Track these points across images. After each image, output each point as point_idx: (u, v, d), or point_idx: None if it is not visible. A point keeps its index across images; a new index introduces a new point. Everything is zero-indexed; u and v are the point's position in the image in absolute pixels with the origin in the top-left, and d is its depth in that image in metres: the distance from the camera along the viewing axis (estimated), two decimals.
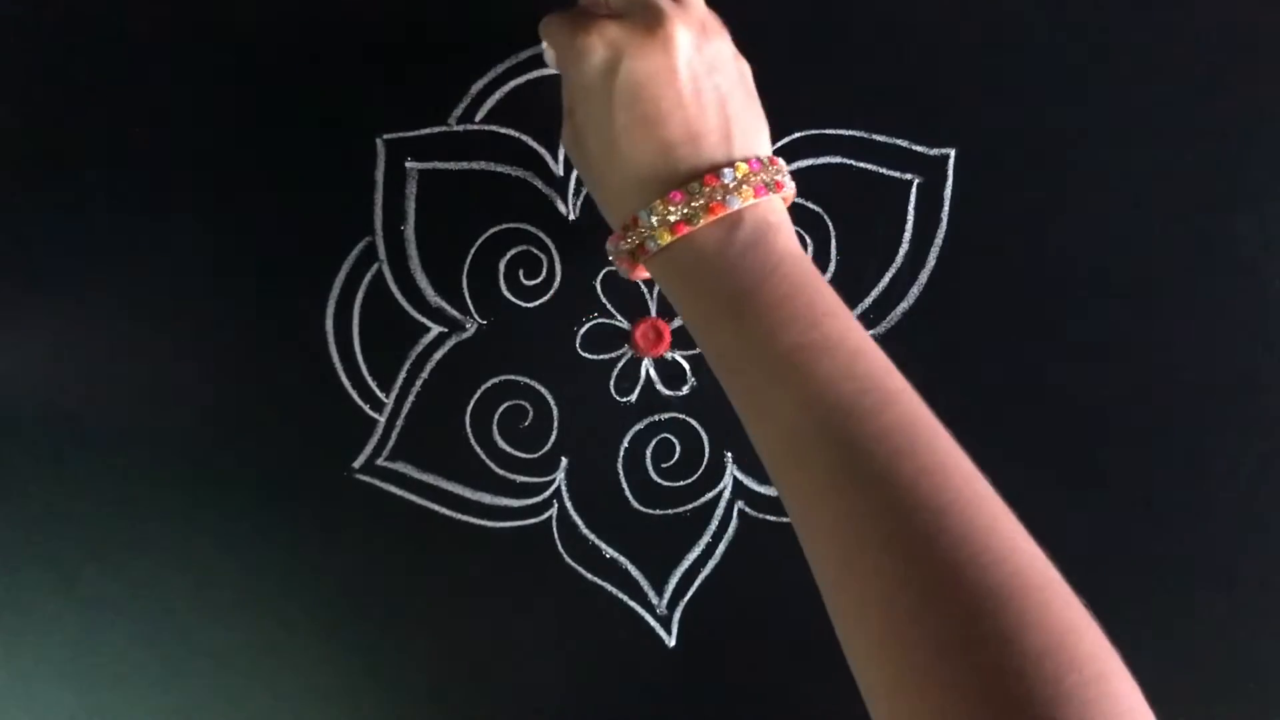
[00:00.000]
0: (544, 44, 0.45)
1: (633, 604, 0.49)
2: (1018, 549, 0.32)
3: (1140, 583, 0.51)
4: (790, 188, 0.40)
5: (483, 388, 0.49)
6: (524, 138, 0.48)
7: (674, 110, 0.38)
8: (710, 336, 0.38)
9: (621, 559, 0.49)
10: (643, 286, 0.49)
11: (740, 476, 0.50)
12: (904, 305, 0.49)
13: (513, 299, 0.48)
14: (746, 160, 0.38)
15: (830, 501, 0.34)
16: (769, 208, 0.39)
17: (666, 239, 0.38)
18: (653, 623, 0.49)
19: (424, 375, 0.48)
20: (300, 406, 0.48)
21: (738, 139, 0.39)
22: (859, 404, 0.34)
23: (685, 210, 0.37)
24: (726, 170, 0.38)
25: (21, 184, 0.46)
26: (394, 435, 0.48)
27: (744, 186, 0.38)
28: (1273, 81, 0.50)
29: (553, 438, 0.49)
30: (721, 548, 0.50)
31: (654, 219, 0.38)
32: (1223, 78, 0.49)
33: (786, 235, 0.39)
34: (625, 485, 0.49)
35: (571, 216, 0.49)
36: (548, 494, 0.49)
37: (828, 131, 0.49)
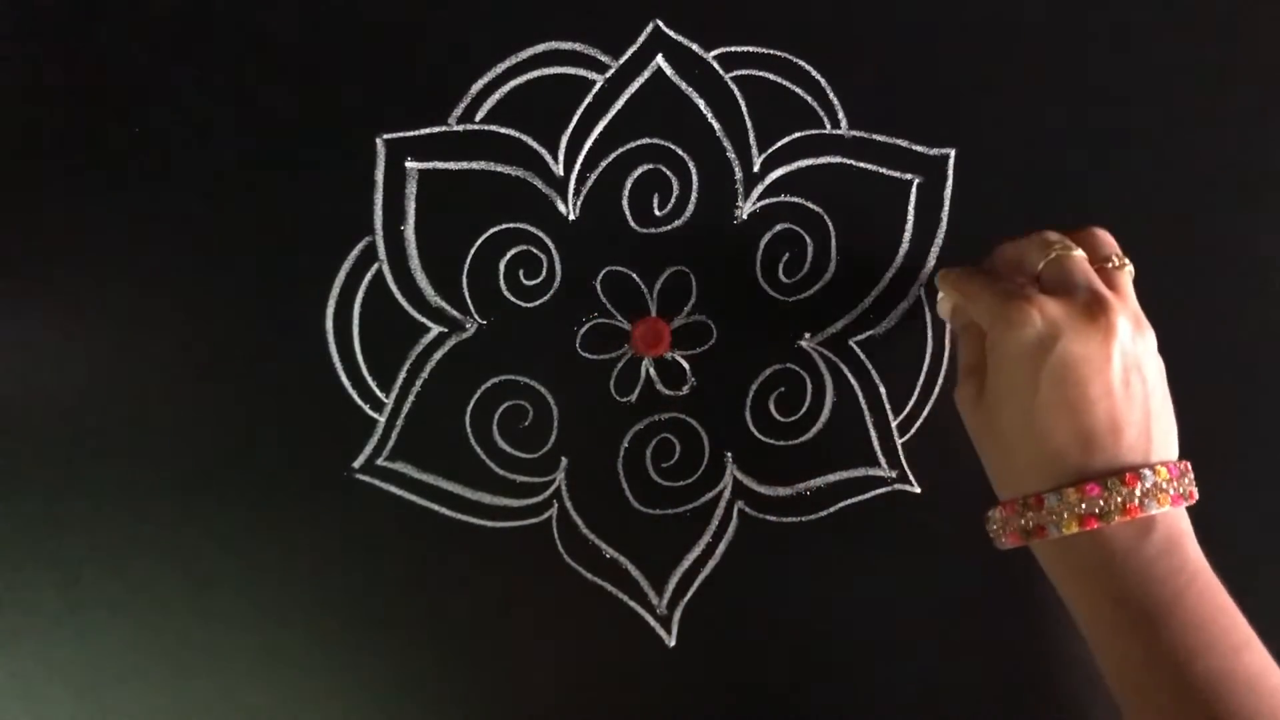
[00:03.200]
0: (940, 294, 0.46)
1: (633, 604, 0.49)
2: None
3: None
4: (1195, 496, 0.39)
5: (483, 388, 0.49)
6: (524, 138, 0.48)
7: (1101, 399, 0.38)
8: (1113, 644, 0.38)
9: (621, 559, 0.49)
10: (643, 286, 0.49)
11: (740, 476, 0.50)
12: (904, 305, 0.49)
13: (513, 299, 0.48)
14: (1165, 464, 0.38)
15: None
16: (1179, 516, 0.38)
17: (1073, 529, 0.37)
18: (653, 623, 0.49)
19: (424, 375, 0.48)
20: (300, 406, 0.48)
21: (1156, 439, 0.39)
22: None
23: (1100, 505, 0.37)
24: (1147, 472, 0.37)
25: (21, 184, 0.46)
26: (394, 435, 0.48)
27: (1162, 493, 0.37)
28: (1273, 81, 0.50)
29: (553, 438, 0.49)
30: (721, 548, 0.50)
31: (1062, 507, 0.37)
32: (1223, 78, 0.49)
33: (1194, 549, 0.38)
34: (625, 485, 0.49)
35: (571, 216, 0.49)
36: (548, 494, 0.49)
37: (828, 131, 0.49)
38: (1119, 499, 0.37)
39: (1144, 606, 0.37)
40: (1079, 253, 0.41)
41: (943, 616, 0.50)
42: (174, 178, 0.47)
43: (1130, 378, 0.39)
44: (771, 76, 0.48)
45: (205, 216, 0.47)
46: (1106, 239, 0.43)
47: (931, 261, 0.49)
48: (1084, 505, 0.37)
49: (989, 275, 0.43)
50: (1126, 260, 0.42)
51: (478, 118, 0.48)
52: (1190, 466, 0.40)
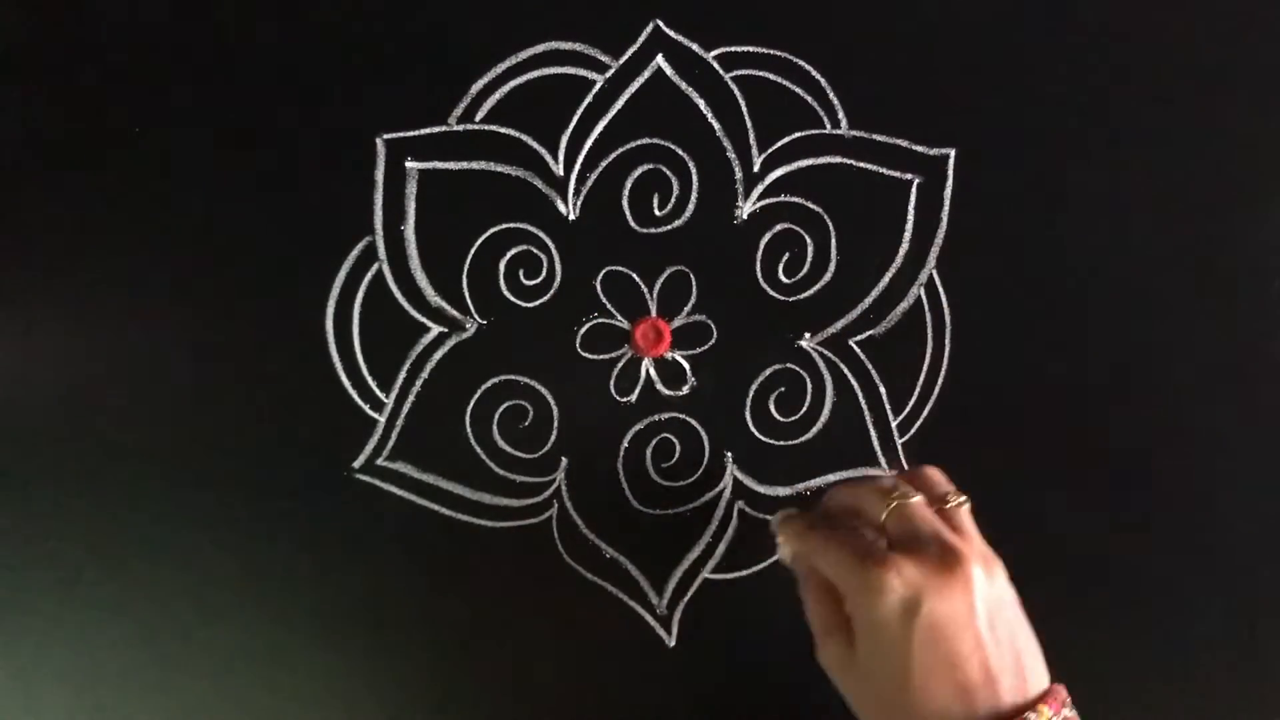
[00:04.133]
0: (779, 540, 0.44)
1: (633, 604, 0.49)
2: None
3: (1140, 583, 0.51)
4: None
5: (483, 388, 0.49)
6: (524, 138, 0.48)
7: (974, 652, 0.38)
8: None
9: (621, 559, 0.49)
10: (643, 286, 0.49)
11: (740, 476, 0.50)
12: (904, 305, 0.49)
13: (513, 299, 0.48)
14: (1045, 702, 0.38)
15: None
16: None
17: None
18: (653, 623, 0.49)
19: (424, 375, 0.48)
20: (300, 406, 0.48)
21: (1029, 674, 0.39)
22: None
23: None
24: (1031, 716, 0.37)
25: (22, 184, 0.46)
26: (394, 435, 0.48)
27: None
28: (1273, 81, 0.50)
29: (553, 438, 0.49)
30: (721, 548, 0.50)
31: None
32: (1223, 78, 0.49)
33: None
34: (625, 485, 0.49)
35: (571, 216, 0.49)
36: (548, 494, 0.49)
37: (828, 131, 0.49)
38: None
39: None
40: (918, 499, 0.41)
41: None
42: (174, 178, 0.47)
43: (995, 622, 0.38)
44: (771, 76, 0.48)
45: (205, 216, 0.47)
46: (938, 477, 0.43)
47: (932, 261, 0.49)
48: None
49: (835, 530, 0.42)
50: (962, 495, 0.42)
51: (478, 118, 0.48)
52: (1063, 693, 0.39)
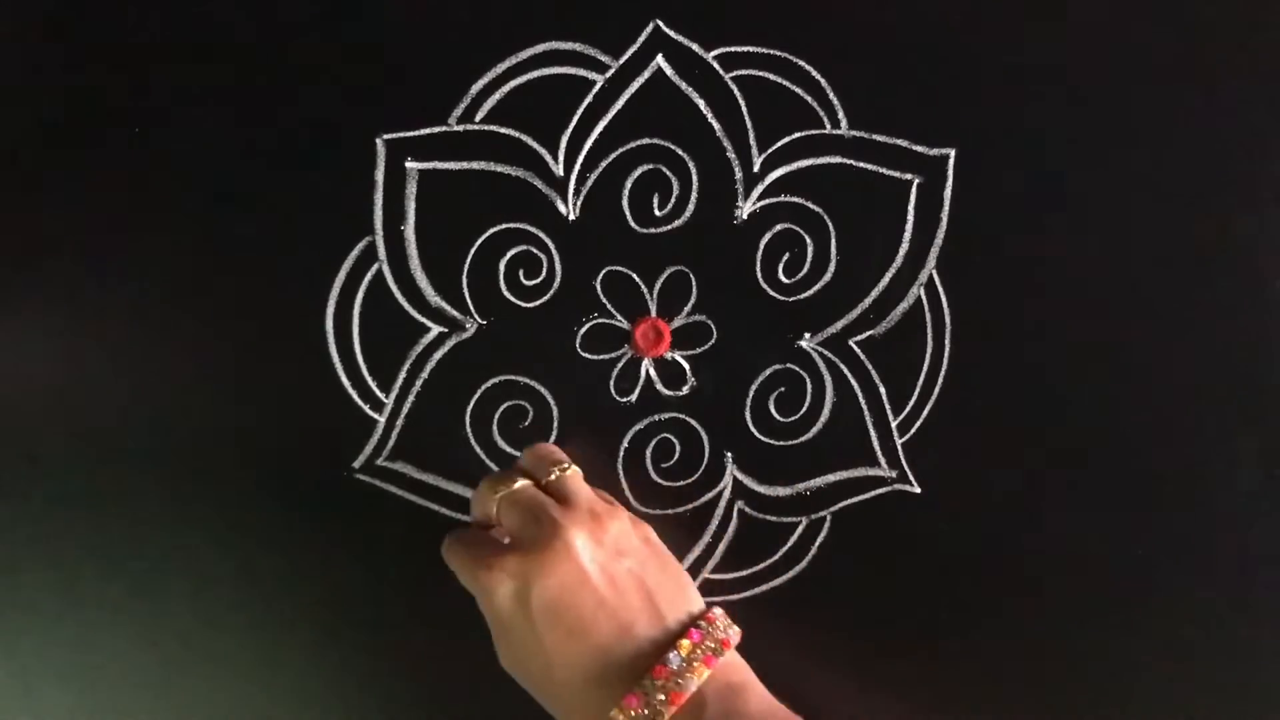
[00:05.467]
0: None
1: None
2: None
3: (1140, 583, 0.51)
4: (736, 634, 0.39)
5: (483, 388, 0.49)
6: (524, 138, 0.48)
7: (597, 611, 0.38)
8: None
9: None
10: (643, 286, 0.49)
11: (740, 476, 0.50)
12: (904, 305, 0.49)
13: (513, 299, 0.48)
14: (685, 633, 0.38)
15: None
16: (726, 669, 0.38)
17: None
18: None
19: (424, 375, 0.48)
20: (300, 406, 0.48)
21: (666, 609, 0.39)
22: None
23: (646, 711, 0.37)
24: (671, 656, 0.37)
25: (21, 184, 0.46)
26: (394, 435, 0.48)
27: (694, 663, 0.37)
28: (1273, 81, 0.50)
29: (553, 438, 0.49)
30: (721, 548, 0.50)
31: None
32: (1223, 78, 0.49)
33: (754, 693, 0.38)
34: (625, 485, 0.49)
35: (571, 216, 0.49)
36: None
37: (828, 131, 0.49)
38: (659, 694, 0.37)
39: None
40: (522, 483, 0.42)
41: (942, 616, 0.50)
42: (174, 178, 0.47)
43: (613, 574, 0.39)
44: (771, 76, 0.48)
45: (205, 216, 0.47)
46: (545, 452, 0.45)
47: (932, 261, 0.49)
48: (634, 718, 0.37)
49: (462, 541, 0.43)
50: (569, 464, 0.43)
51: (478, 118, 0.48)
52: (720, 613, 0.40)
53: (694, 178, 0.49)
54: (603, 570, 0.39)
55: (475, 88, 0.48)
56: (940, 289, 0.49)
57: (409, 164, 0.47)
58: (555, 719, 0.41)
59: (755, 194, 0.49)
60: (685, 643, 0.38)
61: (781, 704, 0.40)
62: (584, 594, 0.38)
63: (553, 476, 0.43)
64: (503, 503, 0.42)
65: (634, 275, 0.49)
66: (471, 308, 0.48)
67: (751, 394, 0.49)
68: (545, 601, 0.38)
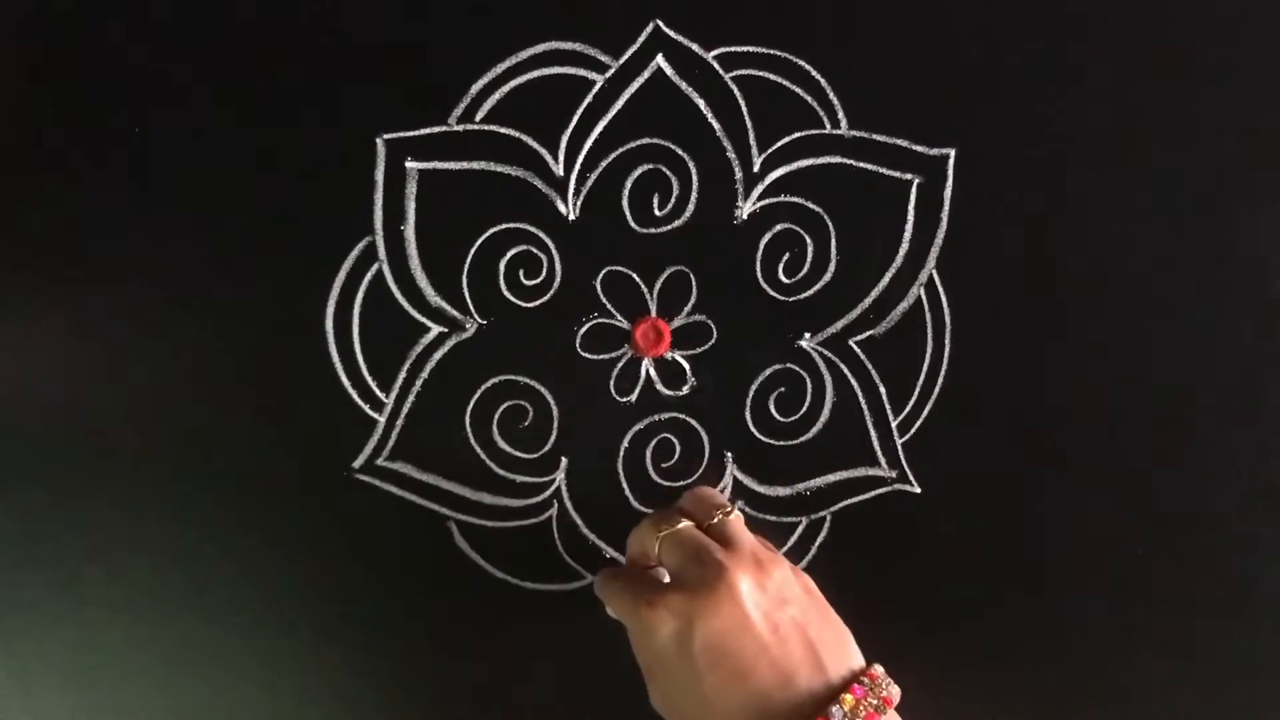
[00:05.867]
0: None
1: None
2: None
3: (1140, 583, 0.51)
4: (897, 694, 0.39)
5: (483, 388, 0.49)
6: (524, 138, 0.48)
7: (759, 657, 0.38)
8: None
9: (622, 559, 0.49)
10: (643, 286, 0.49)
11: (740, 476, 0.50)
12: (904, 305, 0.49)
13: (513, 299, 0.48)
14: (848, 687, 0.38)
15: None
16: None
17: None
18: None
19: (424, 375, 0.48)
20: (300, 406, 0.48)
21: (829, 662, 0.39)
22: None
23: None
24: (834, 710, 0.37)
25: (21, 184, 0.46)
26: (394, 435, 0.48)
27: (857, 717, 0.37)
28: (1273, 81, 0.50)
29: (553, 438, 0.49)
30: None
31: None
32: (1223, 78, 0.49)
33: None
34: (625, 485, 0.49)
35: (571, 216, 0.49)
36: (548, 494, 0.49)
37: (828, 131, 0.49)
38: None
39: None
40: (684, 525, 0.41)
41: (942, 616, 0.50)
42: (174, 178, 0.47)
43: (777, 621, 0.38)
44: (771, 76, 0.48)
45: (205, 216, 0.47)
46: (707, 496, 0.44)
47: (932, 261, 0.49)
48: None
49: (622, 578, 0.43)
50: (731, 507, 0.43)
51: (478, 118, 0.48)
52: (881, 670, 0.39)
53: (694, 178, 0.49)
54: (766, 616, 0.38)
55: (475, 88, 0.48)
56: (940, 289, 0.49)
57: (409, 164, 0.47)
58: None
59: (755, 194, 0.49)
60: (849, 698, 0.37)
61: None
62: (747, 639, 0.38)
63: (715, 519, 0.42)
64: (665, 542, 0.41)
65: (634, 275, 0.49)
66: (471, 308, 0.48)
67: (751, 394, 0.49)
68: (708, 643, 0.38)
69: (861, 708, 0.37)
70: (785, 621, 0.39)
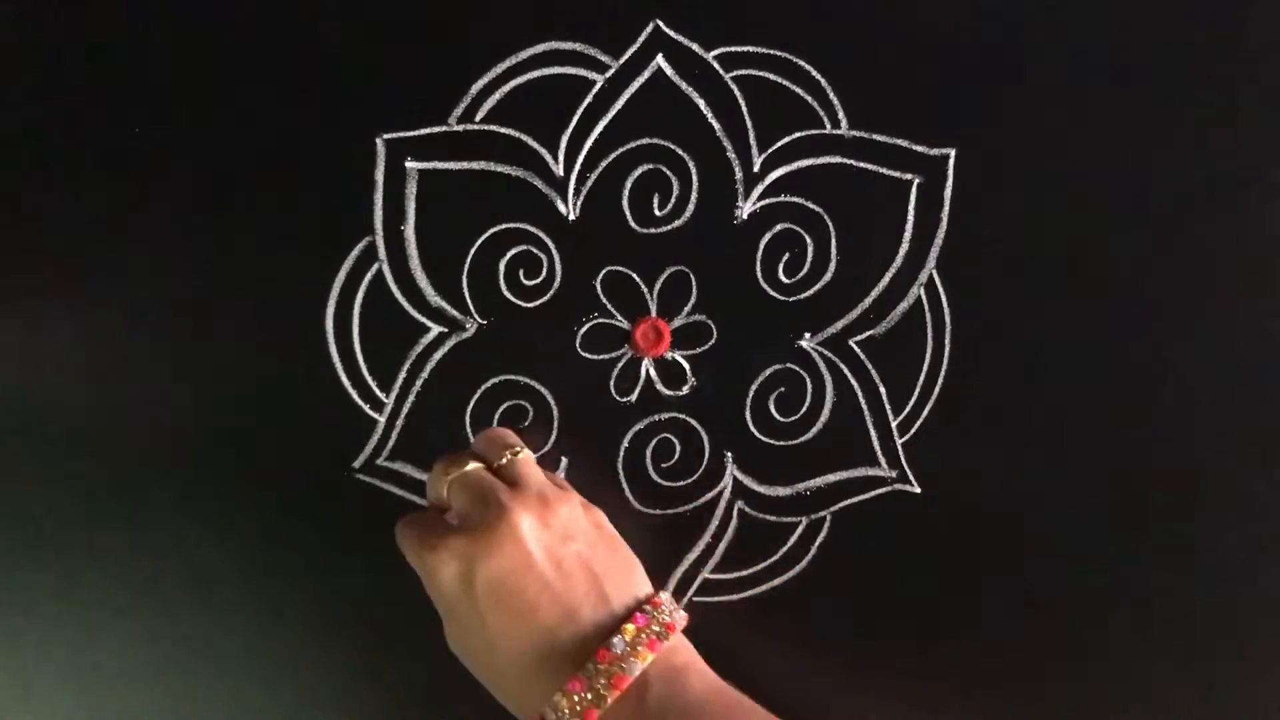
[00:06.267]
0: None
1: None
2: None
3: (1140, 583, 0.51)
4: (682, 619, 0.40)
5: (483, 388, 0.49)
6: (524, 138, 0.48)
7: (541, 594, 0.38)
8: None
9: None
10: (643, 286, 0.49)
11: (740, 476, 0.50)
12: (904, 305, 0.49)
13: (513, 299, 0.48)
14: (630, 617, 0.38)
15: None
16: (671, 653, 0.38)
17: None
18: None
19: (424, 375, 0.48)
20: (300, 406, 0.48)
21: (613, 593, 0.39)
22: None
23: (589, 695, 0.37)
24: (615, 641, 0.37)
25: (21, 184, 0.46)
26: (394, 435, 0.48)
27: (638, 648, 0.37)
28: (1273, 81, 0.50)
29: (553, 438, 0.49)
30: (721, 548, 0.50)
31: (561, 713, 0.37)
32: (1223, 78, 0.49)
33: (696, 676, 0.39)
34: (625, 485, 0.49)
35: (571, 216, 0.49)
36: None
37: (828, 131, 0.49)
38: (603, 679, 0.37)
39: None
40: (473, 467, 0.42)
41: (942, 616, 0.50)
42: (174, 178, 0.47)
43: (560, 557, 0.39)
44: (771, 76, 0.48)
45: (205, 216, 0.47)
46: (497, 436, 0.44)
47: (932, 261, 0.49)
48: (577, 703, 0.37)
49: (414, 523, 0.43)
50: (521, 447, 0.43)
51: (478, 118, 0.48)
52: (666, 597, 0.40)
53: (694, 178, 0.49)
54: (549, 554, 0.39)
55: (475, 88, 0.48)
56: (940, 289, 0.49)
57: (409, 164, 0.47)
58: (500, 701, 0.41)
59: (755, 194, 0.49)
60: (630, 627, 0.38)
61: (726, 683, 0.40)
62: (529, 577, 0.38)
63: (504, 460, 0.42)
64: (453, 485, 0.42)
65: (634, 275, 0.49)
66: (471, 308, 0.48)
67: (751, 394, 0.49)
68: (489, 584, 0.38)
69: (643, 635, 0.38)
70: (569, 557, 0.39)
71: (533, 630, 0.38)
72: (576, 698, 0.37)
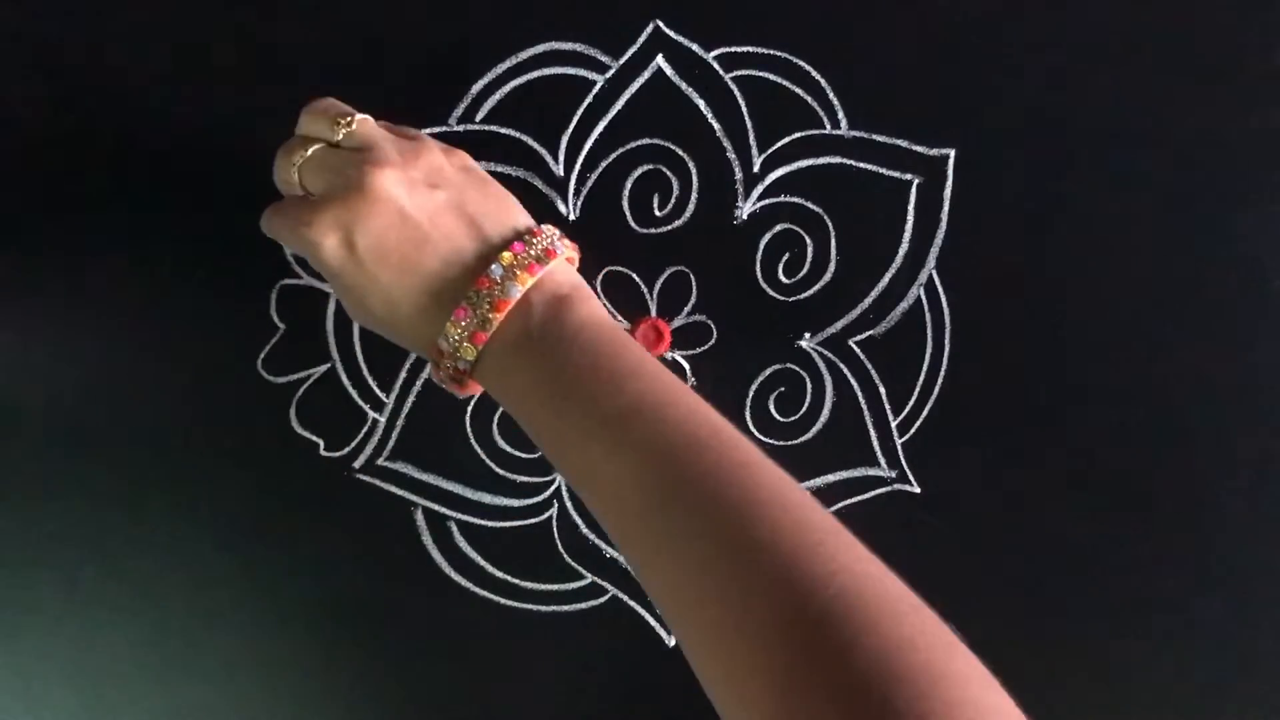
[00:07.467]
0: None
1: (633, 603, 0.49)
2: (844, 569, 0.32)
3: (1140, 583, 0.51)
4: (564, 249, 0.40)
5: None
6: (524, 138, 0.48)
7: (422, 246, 0.39)
8: (535, 427, 0.39)
9: (621, 559, 0.49)
10: (643, 286, 0.49)
11: None
12: (904, 305, 0.49)
13: None
14: (508, 246, 0.39)
15: (665, 555, 0.34)
16: (556, 281, 0.39)
17: (472, 353, 0.38)
18: (653, 623, 0.49)
19: (424, 375, 0.48)
20: (300, 406, 0.48)
21: (491, 230, 0.40)
22: (675, 457, 0.35)
23: (475, 319, 0.38)
24: (494, 268, 0.38)
25: (22, 184, 0.46)
26: (394, 435, 0.48)
27: (516, 271, 0.38)
28: (1273, 81, 0.50)
29: None
30: None
31: (453, 341, 0.38)
32: (1223, 78, 0.49)
33: (580, 302, 0.39)
34: None
35: (572, 216, 0.49)
36: (548, 494, 0.49)
37: (828, 131, 0.49)
38: (485, 304, 0.38)
39: (540, 381, 0.38)
40: (314, 148, 0.41)
41: (941, 616, 0.50)
42: (174, 178, 0.47)
43: (430, 205, 0.39)
44: (771, 76, 0.48)
45: (206, 217, 0.47)
46: (322, 109, 0.42)
47: (932, 261, 0.49)
48: (465, 328, 0.38)
49: (279, 210, 0.42)
50: (352, 114, 0.42)
51: (478, 118, 0.48)
52: (549, 228, 0.40)
53: (694, 178, 0.49)
54: (418, 207, 0.39)
55: (475, 88, 0.48)
56: (940, 289, 0.49)
57: None
58: (403, 347, 0.43)
59: (755, 194, 0.49)
60: (506, 254, 0.39)
61: (609, 315, 0.40)
62: (405, 231, 0.39)
63: (340, 136, 0.41)
64: (304, 169, 0.41)
65: (634, 275, 0.49)
66: None
67: (751, 394, 0.49)
68: (369, 246, 0.39)
69: (521, 259, 0.39)
70: (439, 205, 0.39)
71: (420, 278, 0.39)
72: (464, 324, 0.38)
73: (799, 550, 0.32)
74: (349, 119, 0.41)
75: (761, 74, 0.48)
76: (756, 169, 0.49)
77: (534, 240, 0.39)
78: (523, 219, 0.41)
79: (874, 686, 0.29)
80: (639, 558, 0.35)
